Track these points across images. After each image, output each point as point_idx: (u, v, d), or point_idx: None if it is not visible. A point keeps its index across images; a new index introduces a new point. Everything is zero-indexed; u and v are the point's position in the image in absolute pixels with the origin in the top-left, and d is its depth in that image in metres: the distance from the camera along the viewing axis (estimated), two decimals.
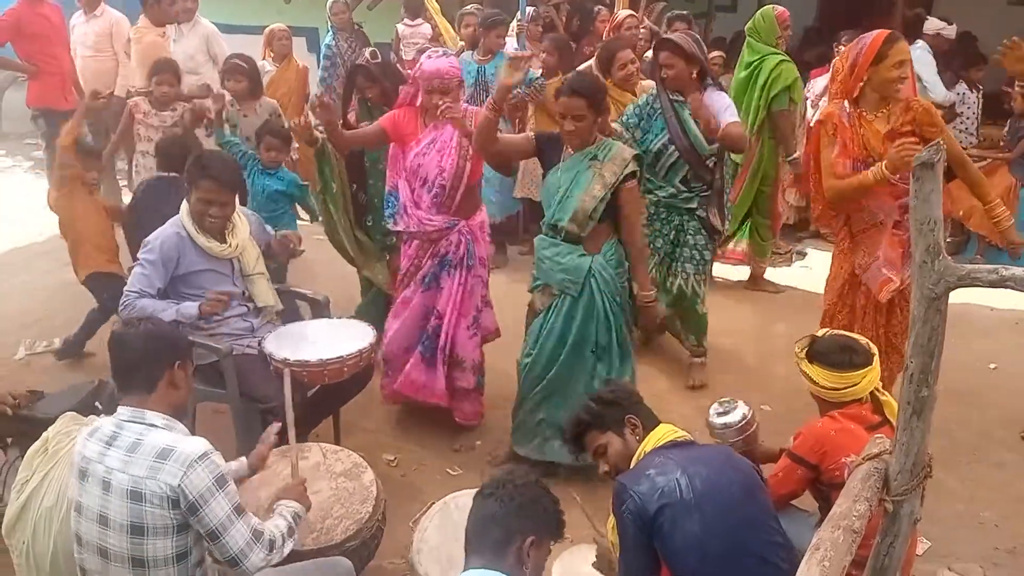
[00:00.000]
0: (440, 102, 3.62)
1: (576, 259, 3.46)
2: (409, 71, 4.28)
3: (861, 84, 3.50)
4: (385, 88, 4.32)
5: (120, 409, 2.30)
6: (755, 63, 5.40)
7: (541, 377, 3.60)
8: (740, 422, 2.96)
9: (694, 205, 4.29)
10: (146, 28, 6.35)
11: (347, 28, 7.21)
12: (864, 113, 3.54)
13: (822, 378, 2.79)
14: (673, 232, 4.37)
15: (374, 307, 4.55)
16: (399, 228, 3.93)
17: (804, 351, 2.87)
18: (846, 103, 3.60)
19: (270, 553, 2.32)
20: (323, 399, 3.61)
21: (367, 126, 4.07)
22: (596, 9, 7.17)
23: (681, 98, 4.14)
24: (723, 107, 4.10)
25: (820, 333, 2.97)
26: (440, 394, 3.94)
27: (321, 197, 4.27)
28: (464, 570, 1.99)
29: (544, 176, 3.61)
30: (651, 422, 2.49)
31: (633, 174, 3.41)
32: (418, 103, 3.81)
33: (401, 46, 7.47)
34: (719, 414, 3.01)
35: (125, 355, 2.35)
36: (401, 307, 3.99)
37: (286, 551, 2.39)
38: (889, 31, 3.55)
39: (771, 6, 5.51)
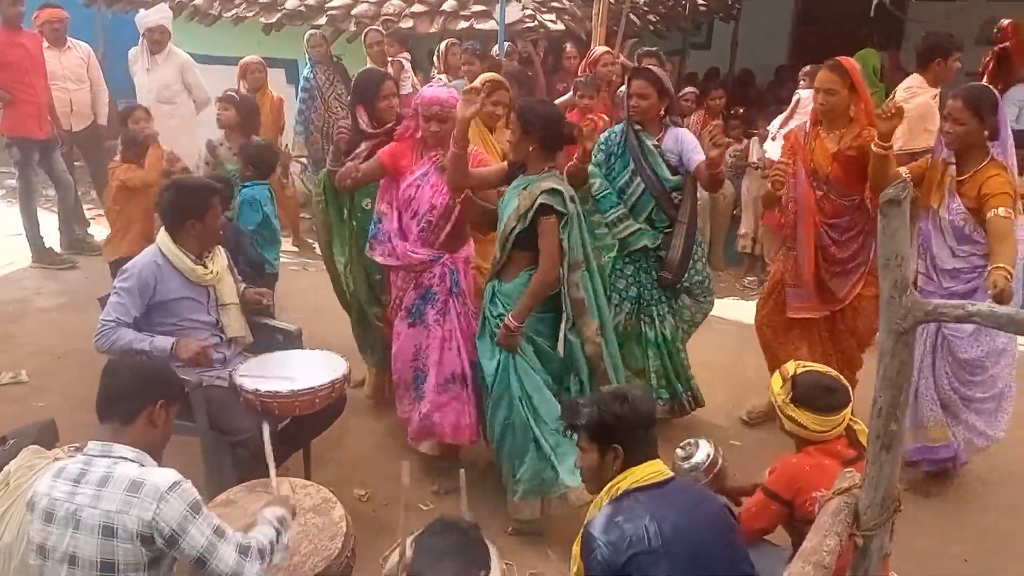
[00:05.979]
0: (438, 129, 3.67)
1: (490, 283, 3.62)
2: (406, 108, 4.22)
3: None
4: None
5: (90, 444, 2.28)
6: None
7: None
8: (705, 462, 2.96)
9: (648, 242, 4.16)
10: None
11: (325, 61, 7.23)
12: (820, 132, 4.03)
13: (811, 422, 2.76)
14: (640, 274, 4.26)
15: (360, 327, 4.49)
16: (375, 255, 3.91)
17: (789, 396, 2.81)
18: (807, 123, 4.12)
19: (262, 563, 2.28)
20: (294, 431, 3.57)
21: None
22: (565, 45, 7.28)
23: (643, 129, 4.10)
24: (691, 145, 4.05)
25: (792, 370, 2.88)
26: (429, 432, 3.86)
27: (324, 227, 4.33)
28: None
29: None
30: (640, 454, 2.37)
31: (547, 208, 3.35)
32: (418, 135, 3.80)
33: (401, 79, 7.46)
34: (683, 458, 3.00)
35: (113, 383, 2.35)
36: (395, 337, 3.96)
37: (278, 557, 2.36)
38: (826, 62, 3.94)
39: None
